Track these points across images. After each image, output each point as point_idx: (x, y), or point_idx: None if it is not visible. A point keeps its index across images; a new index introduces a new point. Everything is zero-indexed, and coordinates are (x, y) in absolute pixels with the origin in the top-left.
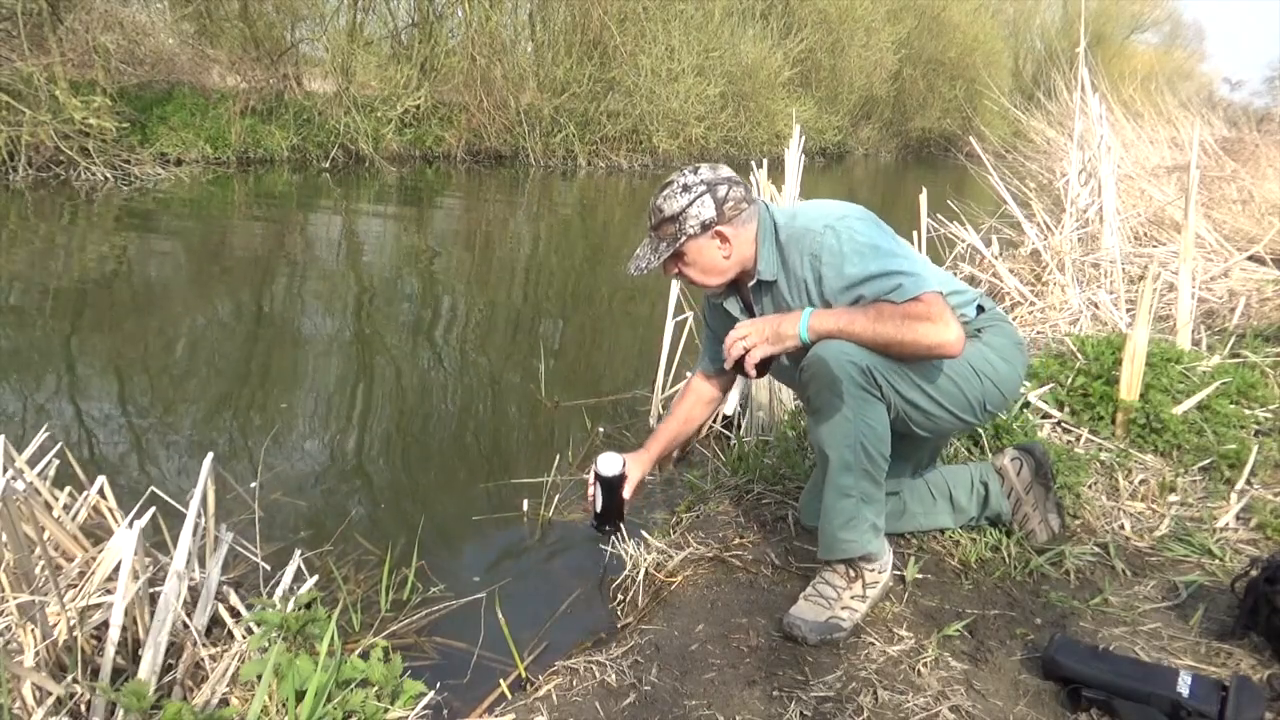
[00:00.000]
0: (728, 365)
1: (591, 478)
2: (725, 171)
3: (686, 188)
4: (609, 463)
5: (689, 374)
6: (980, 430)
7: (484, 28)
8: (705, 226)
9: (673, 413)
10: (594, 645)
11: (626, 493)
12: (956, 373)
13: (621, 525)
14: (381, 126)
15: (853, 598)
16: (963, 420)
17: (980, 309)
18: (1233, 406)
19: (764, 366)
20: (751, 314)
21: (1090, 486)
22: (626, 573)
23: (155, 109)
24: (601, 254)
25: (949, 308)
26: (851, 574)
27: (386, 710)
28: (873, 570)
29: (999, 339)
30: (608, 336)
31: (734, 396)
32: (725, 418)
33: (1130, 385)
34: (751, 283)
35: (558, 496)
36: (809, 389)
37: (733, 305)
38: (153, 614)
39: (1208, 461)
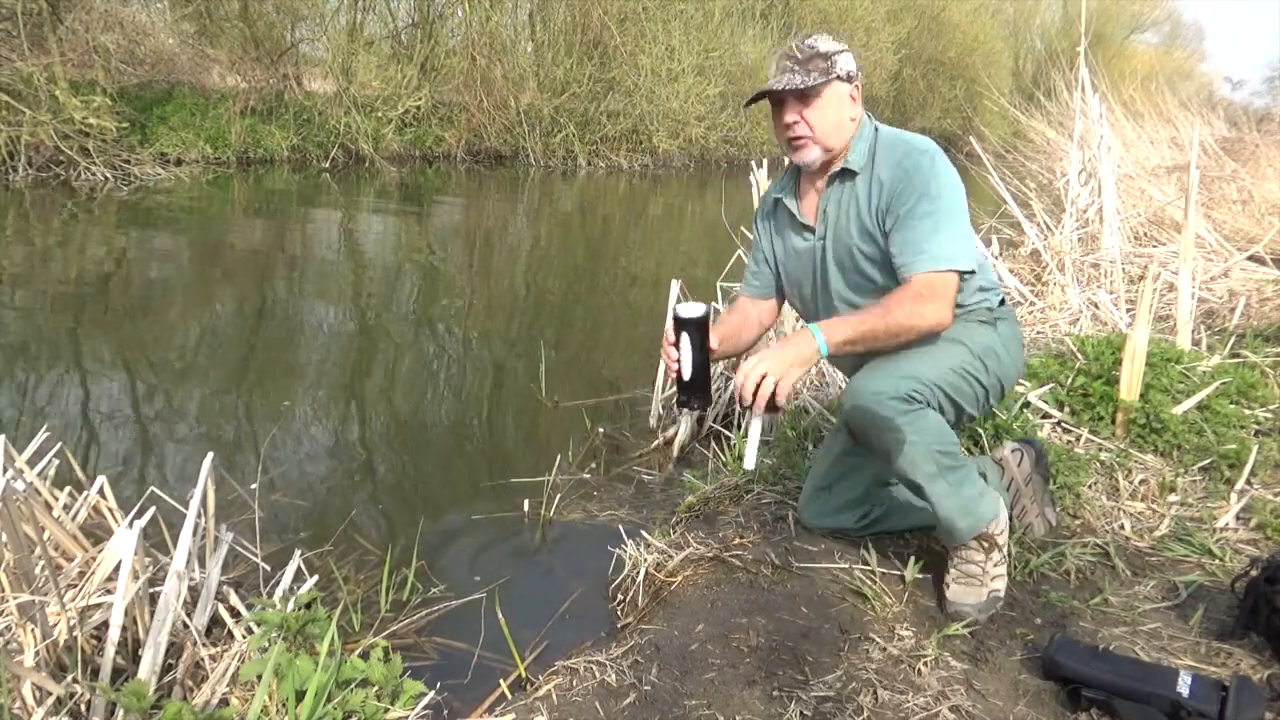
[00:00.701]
0: (758, 409)
1: (670, 327)
2: None
3: (834, 39)
4: (690, 306)
5: (736, 290)
6: (980, 429)
7: (484, 28)
8: (849, 77)
9: (725, 319)
10: (594, 645)
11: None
12: (973, 368)
13: (710, 400)
14: (382, 126)
15: (995, 565)
16: (970, 414)
17: (1001, 300)
18: (1233, 406)
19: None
20: (791, 230)
21: (1090, 486)
22: (626, 573)
23: (155, 109)
24: (601, 254)
25: (955, 290)
26: (985, 544)
27: (386, 710)
28: (1000, 532)
29: (1009, 329)
30: (608, 335)
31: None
32: (725, 417)
33: (1130, 385)
34: (836, 169)
35: (558, 496)
36: (866, 437)
37: (792, 203)
38: (153, 614)
39: (1208, 461)
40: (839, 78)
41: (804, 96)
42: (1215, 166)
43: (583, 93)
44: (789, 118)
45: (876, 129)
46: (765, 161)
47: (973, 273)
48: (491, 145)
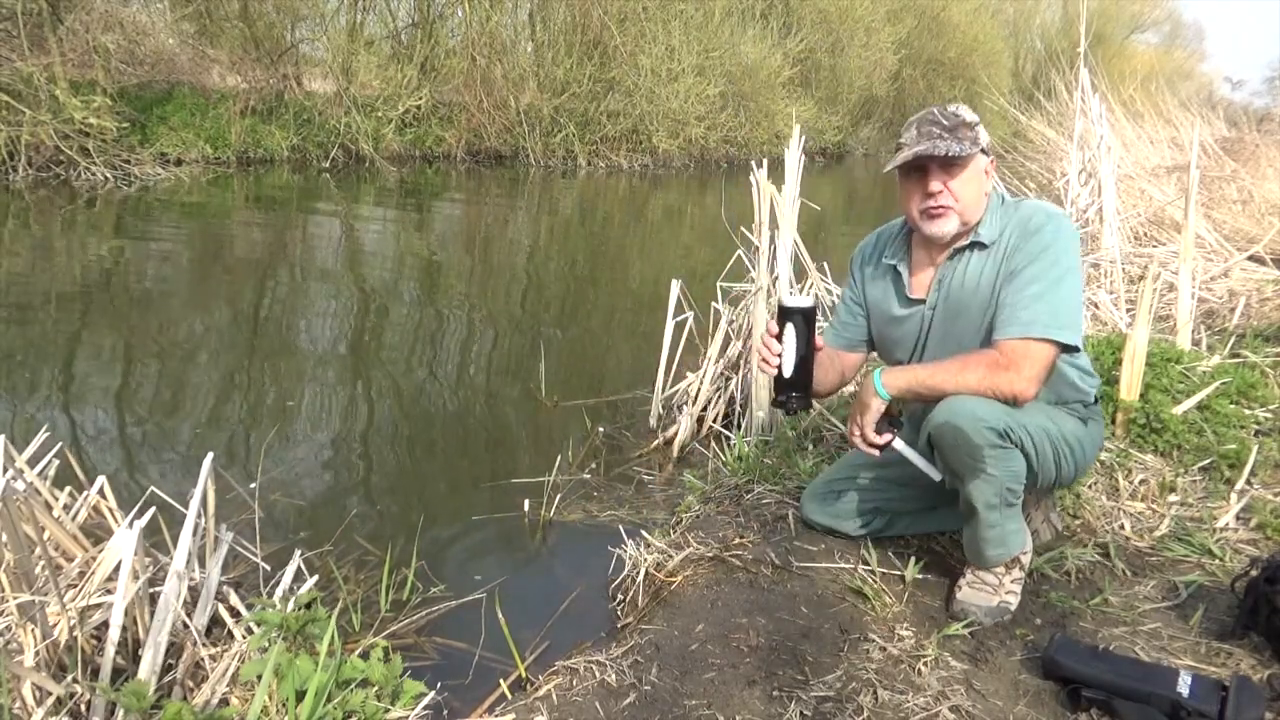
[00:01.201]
0: (880, 453)
1: (774, 319)
2: None
3: (971, 110)
4: (797, 296)
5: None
6: None
7: (484, 28)
8: (988, 150)
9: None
10: (594, 645)
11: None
12: (1068, 444)
13: (810, 401)
14: (382, 126)
15: (1013, 581)
16: (1036, 480)
17: (1096, 399)
18: (1233, 406)
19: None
20: (907, 298)
21: (1090, 486)
22: (626, 573)
23: (155, 109)
24: (601, 254)
25: (1047, 367)
26: (1009, 564)
27: (386, 710)
28: (1025, 552)
29: (1096, 430)
30: (608, 336)
31: (736, 395)
32: (725, 417)
33: (1130, 385)
34: (964, 243)
35: (558, 496)
36: (945, 455)
37: (905, 269)
38: (153, 614)
39: (1208, 461)
40: (983, 150)
41: (950, 166)
42: (1215, 166)
43: (583, 93)
44: (933, 186)
45: (1002, 198)
46: (765, 161)
47: (1076, 349)
48: (491, 145)
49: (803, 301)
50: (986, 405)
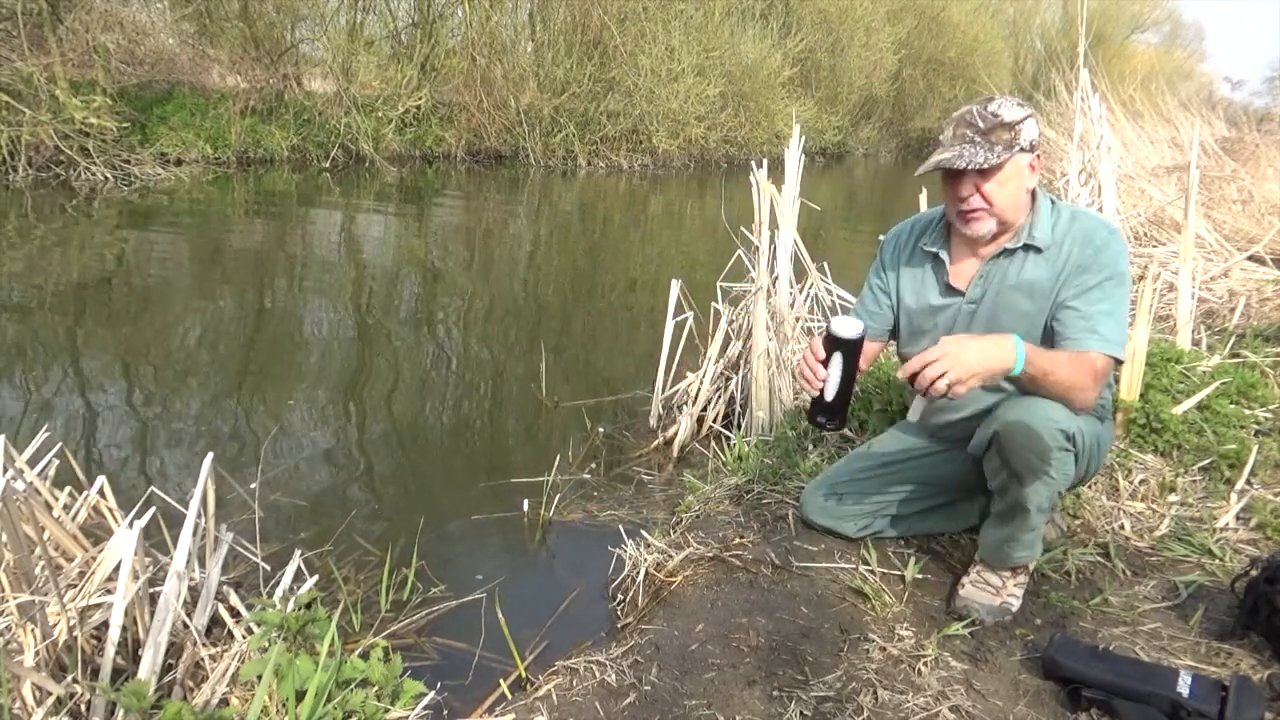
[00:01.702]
0: (922, 391)
1: (820, 344)
2: None
3: (1020, 104)
4: (847, 324)
5: None
6: None
7: (484, 28)
8: (1032, 146)
9: None
10: (594, 645)
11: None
12: (1095, 447)
13: (845, 422)
14: (382, 126)
15: (1017, 585)
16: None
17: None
18: (1233, 406)
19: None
20: (948, 290)
21: (1090, 486)
22: (626, 573)
23: (155, 109)
24: (601, 254)
25: (1107, 379)
26: (1019, 567)
27: (386, 710)
28: (1034, 560)
29: (1109, 430)
30: (608, 336)
31: (736, 395)
32: (725, 417)
33: (1130, 385)
34: (1015, 245)
35: (558, 496)
36: (1010, 455)
37: (946, 259)
38: (153, 614)
39: (1208, 461)
40: (1022, 149)
41: (984, 171)
42: (1215, 166)
43: (583, 93)
44: (964, 191)
45: (1053, 203)
46: (765, 161)
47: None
48: (491, 145)
49: (852, 331)
50: (1056, 407)
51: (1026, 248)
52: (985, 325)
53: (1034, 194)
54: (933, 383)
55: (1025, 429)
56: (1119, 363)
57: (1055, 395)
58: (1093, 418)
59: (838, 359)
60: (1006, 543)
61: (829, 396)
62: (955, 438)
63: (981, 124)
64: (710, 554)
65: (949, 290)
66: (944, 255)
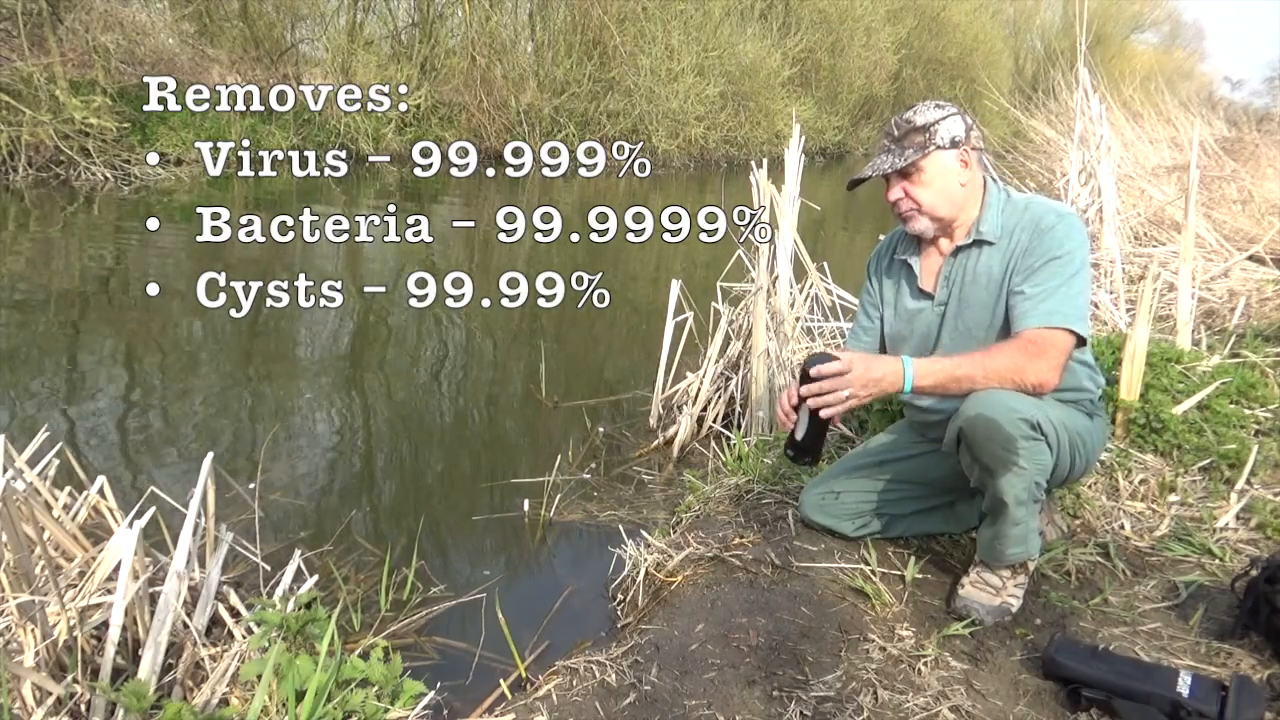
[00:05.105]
0: (826, 412)
1: (794, 388)
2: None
3: (939, 106)
4: (824, 359)
5: (842, 344)
6: None
7: (484, 28)
8: (954, 143)
9: None
10: (594, 645)
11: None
12: (1080, 440)
13: (819, 459)
14: (381, 126)
15: (1017, 585)
16: (1053, 476)
17: (1100, 396)
18: (1233, 406)
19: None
20: (914, 292)
21: (1090, 486)
22: (626, 573)
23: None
24: (601, 253)
25: (1067, 357)
26: (1018, 565)
27: (386, 710)
28: (1033, 559)
29: (1101, 426)
30: (608, 336)
31: (737, 395)
32: (725, 417)
33: (1130, 385)
34: (966, 241)
35: (558, 496)
36: (977, 450)
37: (916, 264)
38: (153, 614)
39: (1208, 461)
40: (939, 147)
41: (904, 173)
42: (1215, 166)
43: (582, 93)
44: (892, 194)
45: (1008, 195)
46: (765, 161)
47: (1085, 342)
48: (491, 145)
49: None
50: (1017, 397)
51: (978, 242)
52: (954, 324)
53: (986, 187)
54: (827, 400)
55: (986, 421)
56: (1080, 337)
57: (1000, 384)
58: (1076, 411)
59: (805, 409)
60: (996, 539)
61: (798, 436)
62: (943, 438)
63: (896, 131)
64: (710, 554)
65: (920, 294)
66: (914, 261)
